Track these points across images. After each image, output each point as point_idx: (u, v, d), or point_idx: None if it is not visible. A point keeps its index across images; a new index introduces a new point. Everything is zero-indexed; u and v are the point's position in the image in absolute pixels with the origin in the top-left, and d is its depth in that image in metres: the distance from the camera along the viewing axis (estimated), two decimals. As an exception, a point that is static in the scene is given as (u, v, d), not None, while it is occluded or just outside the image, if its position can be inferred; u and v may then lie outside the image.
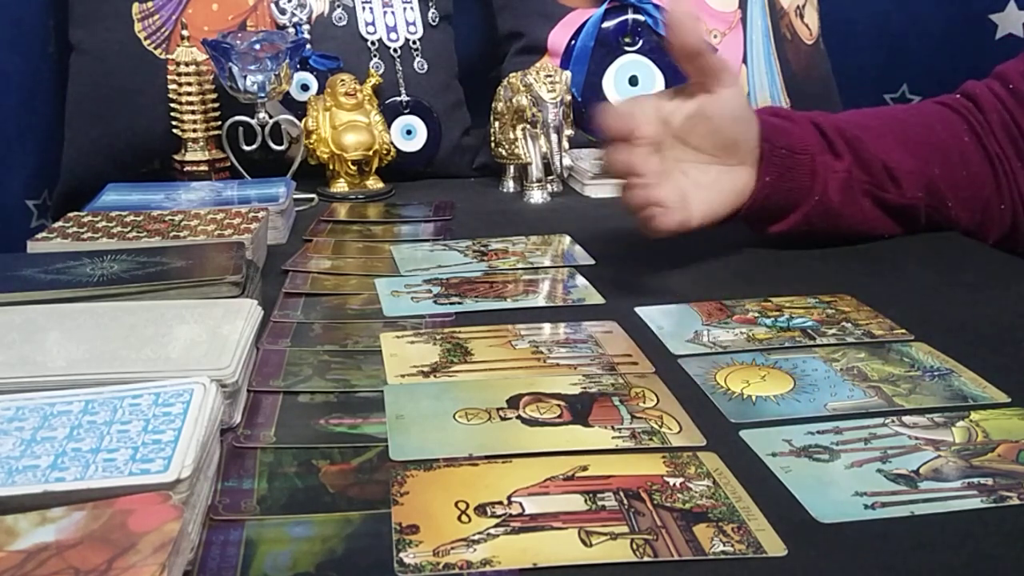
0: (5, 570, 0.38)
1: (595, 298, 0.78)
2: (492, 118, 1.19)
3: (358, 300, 0.78)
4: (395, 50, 1.24)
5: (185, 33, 1.14)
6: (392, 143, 1.18)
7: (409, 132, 1.24)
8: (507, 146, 1.15)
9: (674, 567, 0.43)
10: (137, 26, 1.18)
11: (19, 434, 0.48)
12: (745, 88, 1.29)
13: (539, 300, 0.78)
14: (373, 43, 1.23)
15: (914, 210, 0.88)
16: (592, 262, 0.88)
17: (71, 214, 0.91)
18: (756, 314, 0.74)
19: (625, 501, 0.48)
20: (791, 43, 1.33)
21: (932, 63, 1.50)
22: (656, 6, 1.26)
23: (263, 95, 1.11)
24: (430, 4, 1.28)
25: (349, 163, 1.14)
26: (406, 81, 1.24)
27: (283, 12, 1.21)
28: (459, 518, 0.47)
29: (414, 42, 1.25)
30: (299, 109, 1.18)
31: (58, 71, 1.25)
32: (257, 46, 1.08)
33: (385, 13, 1.25)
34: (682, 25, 0.75)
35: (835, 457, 0.52)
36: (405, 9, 1.26)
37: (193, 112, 1.13)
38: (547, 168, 1.13)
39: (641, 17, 1.26)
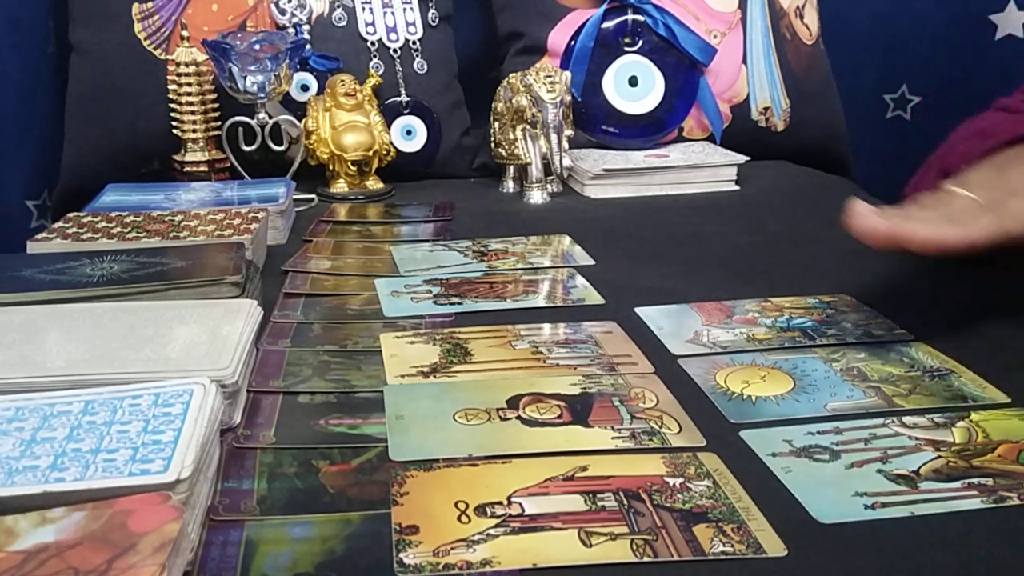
0: (5, 570, 0.38)
1: (595, 298, 0.78)
2: (492, 118, 1.19)
3: (358, 300, 0.78)
4: (395, 50, 1.24)
5: (185, 33, 1.14)
6: (392, 143, 1.18)
7: (409, 132, 1.24)
8: (507, 146, 1.15)
9: (674, 567, 0.43)
10: (137, 26, 1.18)
11: (19, 434, 0.48)
12: (745, 88, 1.29)
13: (539, 300, 0.78)
14: (373, 43, 1.23)
15: None
16: (592, 262, 0.88)
17: (71, 214, 0.91)
18: (756, 314, 0.74)
19: (625, 501, 0.48)
20: (791, 43, 1.33)
21: (932, 63, 1.50)
22: (656, 6, 1.26)
23: (263, 95, 1.11)
24: (430, 4, 1.28)
25: (349, 163, 1.14)
26: (406, 81, 1.24)
27: (283, 12, 1.21)
28: (459, 518, 0.47)
29: (414, 42, 1.25)
30: (299, 109, 1.18)
31: (58, 71, 1.25)
32: (257, 46, 1.08)
33: (385, 13, 1.24)
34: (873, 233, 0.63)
35: (835, 457, 0.52)
36: (405, 9, 1.26)
37: (193, 112, 1.13)
38: (547, 168, 1.13)
39: (641, 17, 1.26)
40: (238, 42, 1.08)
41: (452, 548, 0.44)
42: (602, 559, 0.44)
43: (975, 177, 0.69)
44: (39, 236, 0.84)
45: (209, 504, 0.48)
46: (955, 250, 0.61)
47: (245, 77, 1.09)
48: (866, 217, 0.62)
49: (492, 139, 1.19)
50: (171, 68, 1.14)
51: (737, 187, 1.17)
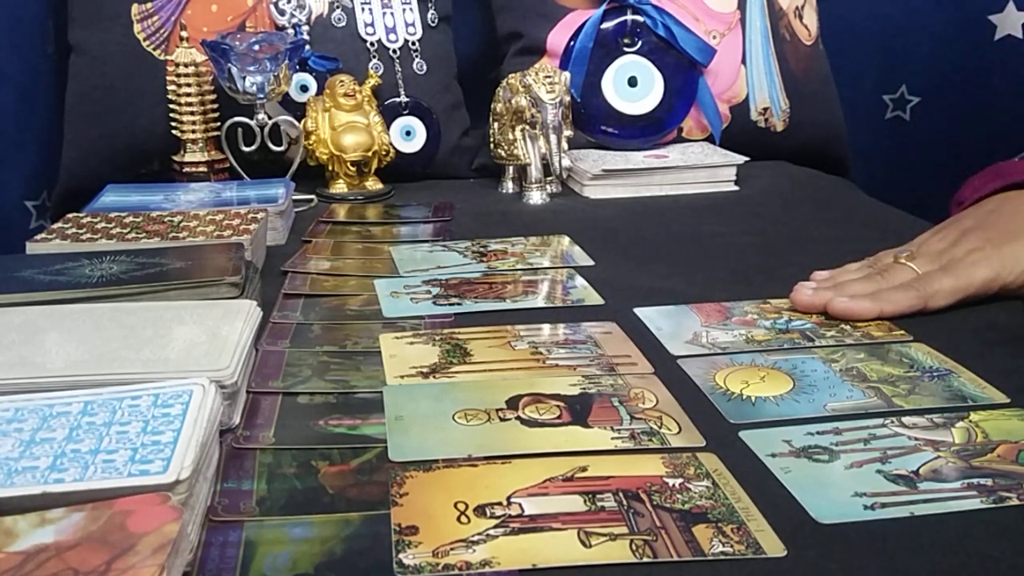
0: (5, 571, 0.38)
1: (594, 299, 0.78)
2: (491, 119, 1.19)
3: (357, 301, 0.78)
4: (394, 51, 1.24)
5: (184, 34, 1.14)
6: (391, 144, 1.18)
7: (408, 133, 1.24)
8: (506, 147, 1.15)
9: (673, 568, 0.43)
10: (136, 27, 1.18)
11: (18, 435, 0.48)
12: (744, 89, 1.29)
13: (538, 301, 0.78)
14: (372, 44, 1.23)
15: None
16: (591, 263, 0.88)
17: (70, 215, 0.91)
18: (755, 316, 0.74)
19: (624, 502, 0.48)
20: (790, 44, 1.33)
21: (931, 64, 1.50)
22: (655, 7, 1.26)
23: (262, 96, 1.11)
24: (429, 5, 1.28)
25: (348, 164, 1.14)
26: (405, 82, 1.24)
27: (282, 13, 1.21)
28: (458, 519, 0.47)
29: (413, 43, 1.25)
30: (298, 110, 1.18)
31: (58, 71, 1.25)
32: (256, 47, 1.08)
33: (384, 14, 1.25)
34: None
35: (835, 458, 0.52)
36: (404, 10, 1.26)
37: (192, 113, 1.13)
38: (546, 169, 1.13)
39: (640, 18, 1.26)
40: (237, 43, 1.08)
41: (452, 549, 0.44)
42: (602, 559, 0.44)
43: (936, 244, 0.78)
44: (38, 237, 0.84)
45: (208, 505, 0.48)
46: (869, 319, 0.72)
47: (244, 78, 1.09)
48: (799, 292, 0.75)
49: (491, 139, 1.19)
50: (170, 69, 1.14)
51: (736, 188, 1.17)
